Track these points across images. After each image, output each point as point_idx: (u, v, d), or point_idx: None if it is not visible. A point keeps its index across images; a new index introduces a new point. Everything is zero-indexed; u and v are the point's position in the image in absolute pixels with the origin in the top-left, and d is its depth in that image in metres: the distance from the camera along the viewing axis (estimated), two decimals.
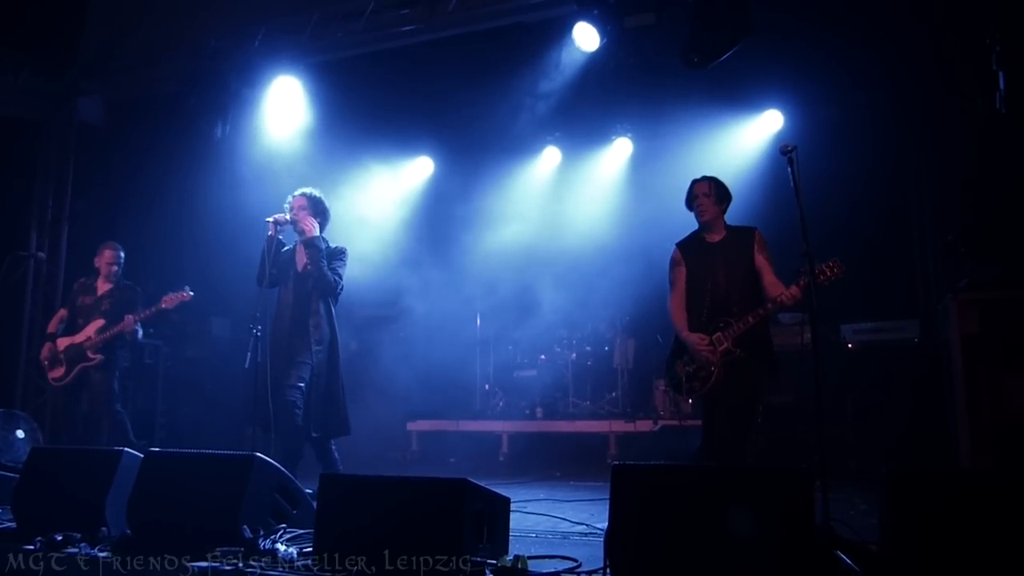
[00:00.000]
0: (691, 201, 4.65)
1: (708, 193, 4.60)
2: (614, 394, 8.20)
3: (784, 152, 3.76)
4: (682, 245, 4.70)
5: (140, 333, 6.38)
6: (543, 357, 8.61)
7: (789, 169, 3.75)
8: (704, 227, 4.63)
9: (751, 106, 7.74)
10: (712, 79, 6.94)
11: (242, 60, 7.13)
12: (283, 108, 7.47)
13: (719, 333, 4.41)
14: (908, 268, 7.72)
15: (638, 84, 7.36)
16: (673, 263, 4.68)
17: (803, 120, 7.62)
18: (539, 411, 8.17)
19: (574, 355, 8.44)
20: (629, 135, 8.50)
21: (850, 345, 7.00)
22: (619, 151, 8.62)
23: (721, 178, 4.70)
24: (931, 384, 6.51)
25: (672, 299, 4.64)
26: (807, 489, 2.77)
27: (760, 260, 4.49)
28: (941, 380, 6.34)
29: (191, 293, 6.00)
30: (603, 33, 6.24)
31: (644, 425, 7.43)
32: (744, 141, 7.73)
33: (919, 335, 6.84)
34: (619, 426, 7.58)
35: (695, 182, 4.66)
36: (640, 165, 8.48)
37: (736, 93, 7.42)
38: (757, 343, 4.42)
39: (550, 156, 8.84)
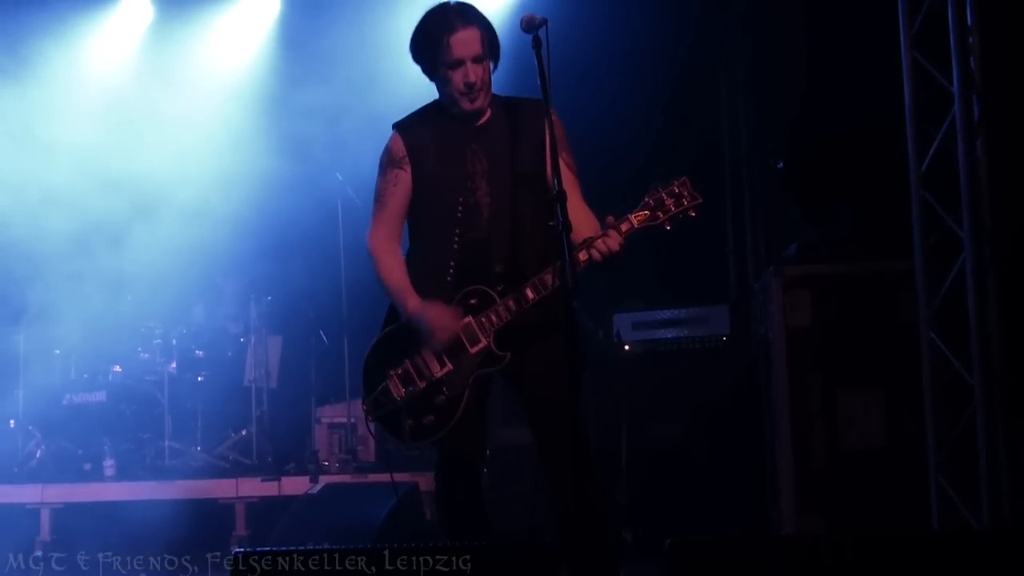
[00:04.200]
0: (448, 68, 4.24)
1: (482, 52, 4.21)
2: (244, 432, 8.25)
3: (529, 28, 3.88)
4: (407, 128, 4.45)
5: None
6: (117, 369, 8.48)
7: (535, 56, 3.87)
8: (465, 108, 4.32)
9: None
10: None
11: None
12: None
13: (470, 320, 4.21)
14: (715, 225, 8.48)
15: None
16: (389, 161, 4.42)
17: None
18: (110, 464, 8.04)
19: (174, 365, 8.41)
20: None
21: (627, 347, 7.51)
22: (255, 7, 8.78)
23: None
24: (746, 404, 7.18)
25: (373, 232, 4.43)
26: None
27: (561, 166, 4.04)
28: (760, 399, 7.04)
29: None
30: None
31: (296, 484, 7.50)
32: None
33: (730, 330, 7.52)
34: (252, 487, 7.60)
35: (454, 28, 4.18)
36: (289, 34, 8.62)
37: None
38: (546, 325, 4.15)
39: (134, 9, 8.71)
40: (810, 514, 6.29)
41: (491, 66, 4.30)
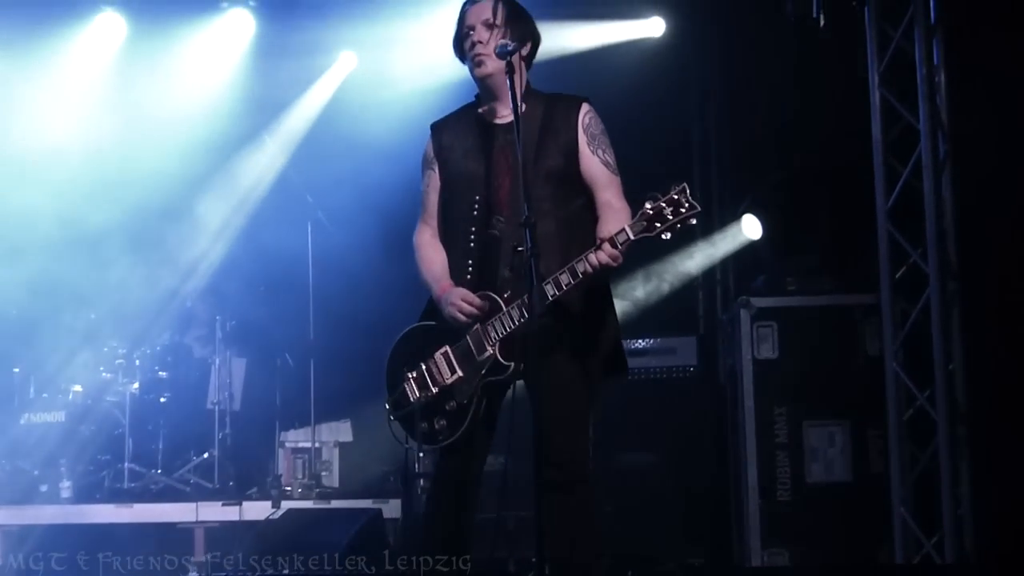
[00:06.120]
0: (463, 39, 4.28)
1: (494, 21, 4.19)
2: (206, 455, 8.18)
3: (502, 55, 3.91)
4: (440, 128, 4.43)
5: None
6: (78, 389, 8.34)
7: (508, 81, 3.89)
8: (486, 91, 4.31)
9: None
10: None
11: None
12: None
13: (478, 327, 4.10)
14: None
15: None
16: (424, 162, 4.43)
17: None
18: (66, 487, 7.90)
19: (136, 386, 8.31)
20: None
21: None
22: (233, 25, 8.72)
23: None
24: (713, 435, 7.26)
25: (418, 231, 4.40)
26: None
27: (591, 161, 4.15)
28: (727, 430, 7.07)
29: None
30: None
31: (257, 509, 7.42)
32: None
33: (697, 361, 7.52)
34: (213, 511, 7.50)
35: (474, 0, 4.27)
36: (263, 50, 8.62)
37: None
38: (567, 328, 4.08)
39: (108, 26, 8.66)
40: (775, 546, 6.35)
41: (508, 38, 4.12)
